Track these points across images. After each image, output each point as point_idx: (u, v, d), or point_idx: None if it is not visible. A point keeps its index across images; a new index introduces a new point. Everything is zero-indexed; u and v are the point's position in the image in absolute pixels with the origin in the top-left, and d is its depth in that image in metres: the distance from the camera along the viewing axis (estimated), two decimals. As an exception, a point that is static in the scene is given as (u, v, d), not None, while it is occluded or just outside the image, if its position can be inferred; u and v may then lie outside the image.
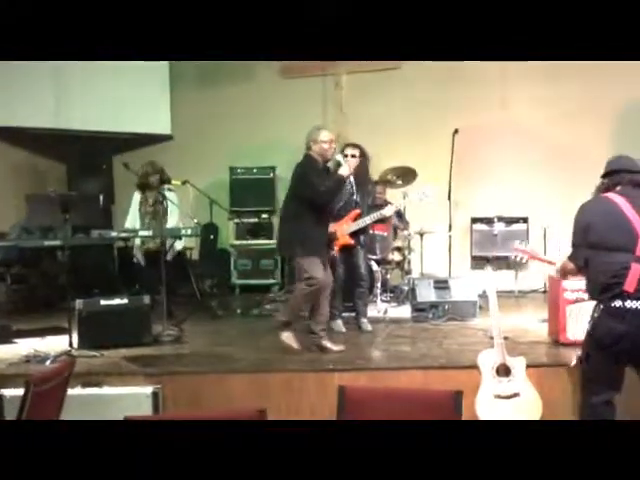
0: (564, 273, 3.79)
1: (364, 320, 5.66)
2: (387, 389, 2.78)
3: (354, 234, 5.58)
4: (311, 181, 4.74)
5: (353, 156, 5.46)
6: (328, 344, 4.81)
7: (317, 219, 4.81)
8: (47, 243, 6.21)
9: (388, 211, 5.76)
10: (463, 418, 3.73)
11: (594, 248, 3.25)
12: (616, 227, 3.16)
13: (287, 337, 4.79)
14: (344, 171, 4.81)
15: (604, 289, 3.16)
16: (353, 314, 5.77)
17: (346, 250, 5.59)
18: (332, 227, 5.29)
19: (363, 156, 5.58)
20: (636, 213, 3.16)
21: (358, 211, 5.58)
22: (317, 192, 4.72)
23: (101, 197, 5.96)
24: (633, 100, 7.54)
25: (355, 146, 5.60)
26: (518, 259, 4.19)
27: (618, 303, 3.05)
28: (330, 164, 4.99)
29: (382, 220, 6.08)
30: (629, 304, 3.02)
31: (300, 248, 4.76)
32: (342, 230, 5.52)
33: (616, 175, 3.37)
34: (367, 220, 5.58)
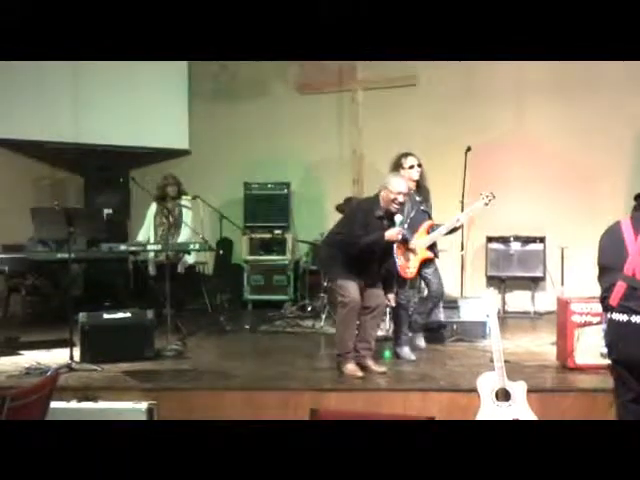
0: None
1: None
2: (359, 413, 2.72)
3: (430, 246, 5.31)
4: (354, 224, 4.64)
5: (419, 165, 5.28)
6: (371, 364, 4.70)
7: (352, 258, 4.65)
8: (59, 256, 6.30)
9: (460, 220, 5.35)
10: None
11: (599, 268, 3.35)
12: (611, 247, 3.27)
13: (349, 369, 4.58)
14: (390, 235, 4.60)
15: (602, 304, 3.31)
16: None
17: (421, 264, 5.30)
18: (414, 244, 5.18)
19: (421, 166, 5.32)
20: (634, 233, 3.16)
21: (432, 222, 5.32)
22: (351, 240, 4.60)
23: (105, 211, 6.00)
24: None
25: (413, 155, 5.33)
26: None
27: (608, 315, 3.24)
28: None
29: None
30: (614, 316, 3.18)
31: (334, 271, 4.71)
32: (419, 244, 5.23)
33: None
34: (443, 230, 5.28)
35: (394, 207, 4.64)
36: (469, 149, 6.20)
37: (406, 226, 5.08)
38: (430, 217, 5.36)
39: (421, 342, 5.48)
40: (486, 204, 5.29)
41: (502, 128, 7.47)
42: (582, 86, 7.05)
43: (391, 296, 4.91)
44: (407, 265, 5.20)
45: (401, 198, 4.62)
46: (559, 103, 7.41)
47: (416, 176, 5.25)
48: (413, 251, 5.19)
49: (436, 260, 5.39)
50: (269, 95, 8.11)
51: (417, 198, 5.29)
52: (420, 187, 5.33)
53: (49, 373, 4.39)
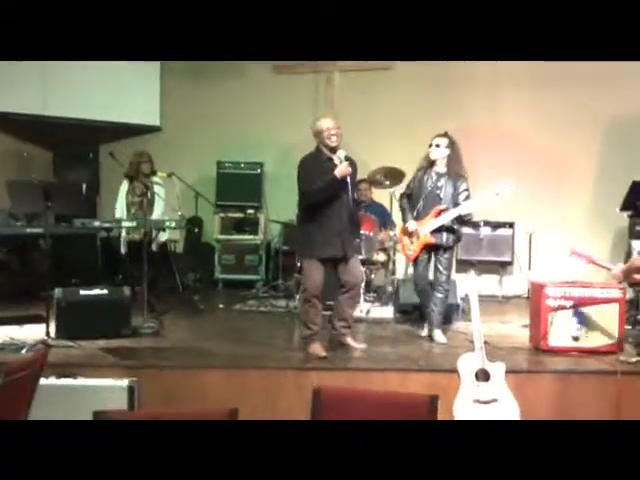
0: (629, 273, 3.79)
1: (437, 331, 5.20)
2: (363, 391, 2.76)
3: (437, 232, 5.13)
4: (304, 176, 4.65)
5: (437, 146, 5.14)
6: (350, 341, 4.78)
7: (321, 217, 4.60)
8: (29, 231, 6.18)
9: (467, 208, 5.12)
10: (440, 422, 3.78)
11: None
12: None
13: (313, 349, 4.61)
14: (340, 171, 4.53)
15: None
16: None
17: (429, 250, 5.22)
18: (415, 226, 5.13)
19: (451, 147, 5.15)
20: None
21: (442, 207, 5.10)
22: (307, 190, 4.61)
23: (84, 186, 5.87)
24: (622, 109, 7.58)
25: (442, 136, 5.19)
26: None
27: None
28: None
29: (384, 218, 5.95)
30: None
31: (300, 249, 4.74)
32: (423, 229, 5.13)
33: None
34: (449, 216, 5.08)
35: (334, 141, 4.66)
36: (445, 134, 6.24)
37: (422, 203, 5.13)
38: (442, 202, 5.13)
39: (441, 338, 5.21)
40: (497, 194, 5.11)
41: (477, 115, 7.57)
42: (555, 78, 7.19)
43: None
44: (409, 247, 5.24)
45: (333, 131, 4.67)
46: (533, 93, 7.55)
47: (433, 155, 5.17)
48: (417, 234, 5.16)
49: (450, 250, 5.24)
50: (244, 74, 8.02)
51: (434, 179, 5.16)
52: (445, 171, 5.18)
53: (35, 348, 4.33)
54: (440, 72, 7.37)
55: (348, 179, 4.63)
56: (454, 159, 5.17)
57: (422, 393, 2.39)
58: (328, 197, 4.59)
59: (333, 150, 4.69)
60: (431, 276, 5.33)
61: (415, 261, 5.28)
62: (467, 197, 5.15)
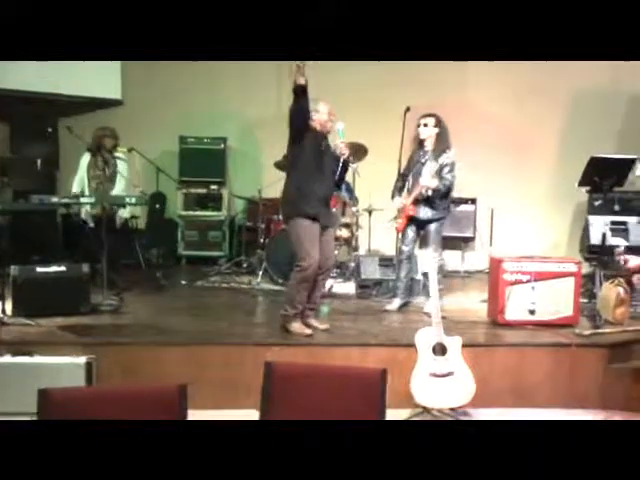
0: None
1: (396, 300, 5.56)
2: (314, 365, 2.78)
3: (418, 206, 5.30)
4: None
5: (425, 125, 5.33)
6: (314, 322, 4.76)
7: (310, 181, 4.60)
8: (-14, 207, 6.03)
9: (425, 180, 5.23)
10: (399, 396, 3.83)
11: None
12: None
13: (296, 328, 4.60)
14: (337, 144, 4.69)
15: None
16: None
17: (417, 224, 5.40)
18: (400, 201, 5.38)
19: (439, 125, 5.34)
20: None
21: (421, 182, 5.24)
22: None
23: (39, 161, 5.75)
24: (585, 85, 7.66)
25: (429, 115, 5.38)
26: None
27: None
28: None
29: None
30: None
31: (290, 209, 4.64)
32: (406, 203, 5.34)
33: None
34: (420, 186, 5.22)
35: (329, 126, 4.73)
36: (408, 109, 6.22)
37: (410, 180, 5.36)
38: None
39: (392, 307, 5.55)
40: (444, 164, 5.23)
41: (441, 90, 7.56)
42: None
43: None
44: (397, 220, 5.51)
45: (332, 118, 4.75)
46: (498, 67, 7.53)
47: (422, 135, 5.37)
48: (403, 208, 5.38)
49: (434, 223, 5.36)
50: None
51: (421, 157, 5.38)
52: (436, 148, 5.32)
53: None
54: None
55: (341, 159, 4.78)
56: (442, 137, 5.37)
57: (374, 367, 2.40)
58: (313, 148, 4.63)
59: (327, 133, 4.76)
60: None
61: (402, 233, 5.50)
62: (450, 170, 5.29)
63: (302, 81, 4.39)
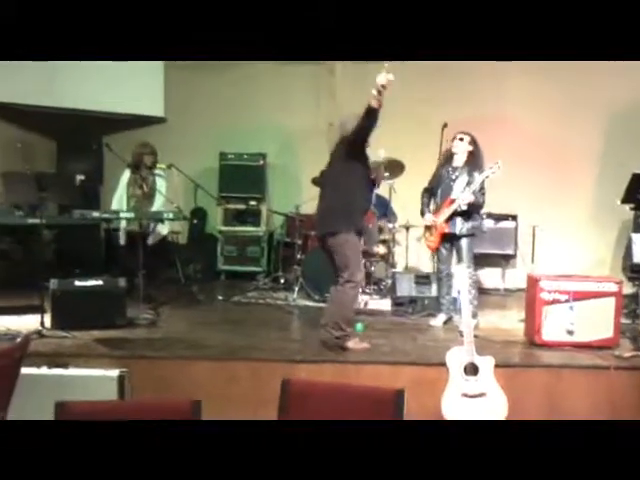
0: None
1: (441, 315, 5.58)
2: (331, 384, 2.75)
3: (451, 221, 5.32)
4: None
5: (461, 140, 5.39)
6: (352, 344, 4.65)
7: (356, 195, 4.62)
8: (30, 221, 6.20)
9: (466, 195, 5.25)
10: (430, 415, 3.77)
11: None
12: None
13: (355, 344, 4.60)
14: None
15: None
16: None
17: (449, 240, 5.41)
18: (430, 218, 5.40)
19: (473, 144, 5.41)
20: None
21: (453, 197, 5.31)
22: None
23: (78, 177, 5.90)
24: (628, 98, 7.47)
25: (466, 133, 5.46)
26: None
27: None
28: None
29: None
30: None
31: (340, 222, 4.56)
32: (438, 219, 5.37)
33: None
34: (459, 202, 5.24)
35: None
36: (445, 125, 6.18)
37: (439, 195, 5.40)
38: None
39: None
40: (487, 176, 5.25)
41: (480, 106, 7.49)
42: (560, 66, 7.06)
43: None
44: (429, 238, 5.51)
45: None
46: (537, 83, 7.47)
47: (455, 149, 5.42)
48: (434, 225, 5.39)
49: (466, 239, 5.35)
50: (246, 64, 7.99)
51: (450, 172, 5.39)
52: (462, 165, 5.39)
53: (19, 339, 4.35)
54: (441, 62, 7.28)
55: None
56: (475, 156, 5.39)
57: (390, 387, 2.37)
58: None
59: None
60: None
61: (437, 252, 5.53)
62: (482, 187, 5.30)
63: (377, 105, 4.40)
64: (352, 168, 4.62)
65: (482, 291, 7.43)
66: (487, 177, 5.24)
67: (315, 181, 6.69)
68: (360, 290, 5.25)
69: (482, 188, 5.29)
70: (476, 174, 5.26)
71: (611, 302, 4.73)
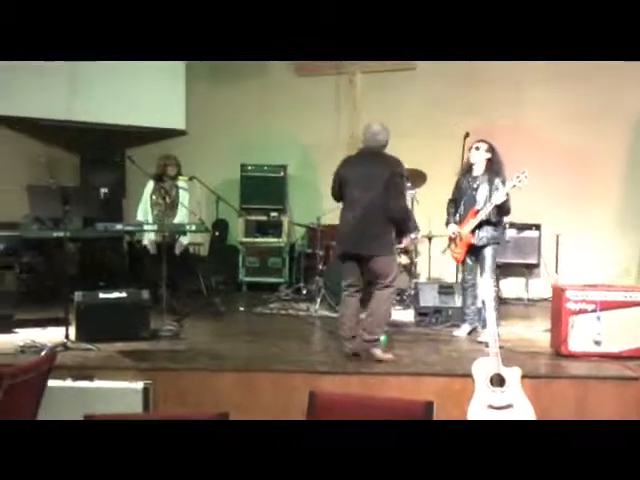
0: None
1: (464, 326, 5.53)
2: (358, 396, 2.73)
3: (475, 232, 5.30)
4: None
5: (477, 149, 5.37)
6: (377, 352, 4.63)
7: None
8: (54, 234, 6.26)
9: (498, 199, 5.19)
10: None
11: None
12: None
13: (381, 353, 4.59)
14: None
15: None
16: None
17: (474, 250, 5.38)
18: (454, 229, 5.40)
19: (491, 152, 5.36)
20: None
21: (477, 208, 5.28)
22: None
23: (102, 190, 5.96)
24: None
25: (482, 141, 5.43)
26: None
27: None
28: None
29: None
30: None
31: (387, 247, 4.65)
32: (463, 230, 5.36)
33: None
34: (483, 213, 5.22)
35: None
36: (467, 135, 6.16)
37: (462, 206, 5.37)
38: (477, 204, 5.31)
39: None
40: (514, 185, 5.18)
41: (501, 113, 7.46)
42: (581, 72, 7.02)
43: None
44: (455, 250, 5.49)
45: None
46: (558, 89, 7.41)
47: (473, 159, 5.40)
48: (459, 237, 5.39)
49: (490, 248, 5.31)
50: (267, 76, 8.06)
51: (471, 182, 5.38)
52: (482, 173, 5.37)
53: (45, 351, 4.39)
54: (462, 70, 7.29)
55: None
56: (494, 164, 5.36)
57: (419, 399, 2.34)
58: None
59: None
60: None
61: (463, 263, 5.50)
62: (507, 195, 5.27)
63: None
64: (404, 185, 4.80)
65: (505, 301, 7.38)
66: (514, 186, 5.18)
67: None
68: None
69: (506, 195, 5.25)
70: (497, 180, 5.24)
71: (639, 312, 4.66)
